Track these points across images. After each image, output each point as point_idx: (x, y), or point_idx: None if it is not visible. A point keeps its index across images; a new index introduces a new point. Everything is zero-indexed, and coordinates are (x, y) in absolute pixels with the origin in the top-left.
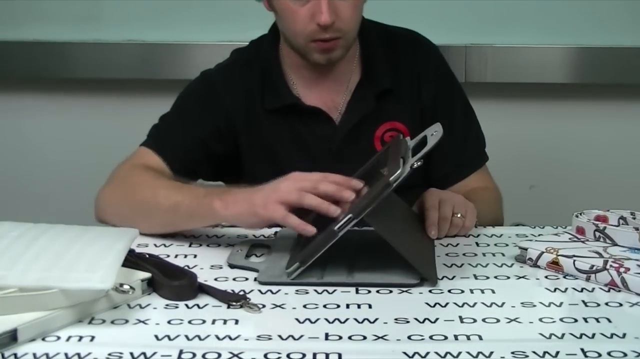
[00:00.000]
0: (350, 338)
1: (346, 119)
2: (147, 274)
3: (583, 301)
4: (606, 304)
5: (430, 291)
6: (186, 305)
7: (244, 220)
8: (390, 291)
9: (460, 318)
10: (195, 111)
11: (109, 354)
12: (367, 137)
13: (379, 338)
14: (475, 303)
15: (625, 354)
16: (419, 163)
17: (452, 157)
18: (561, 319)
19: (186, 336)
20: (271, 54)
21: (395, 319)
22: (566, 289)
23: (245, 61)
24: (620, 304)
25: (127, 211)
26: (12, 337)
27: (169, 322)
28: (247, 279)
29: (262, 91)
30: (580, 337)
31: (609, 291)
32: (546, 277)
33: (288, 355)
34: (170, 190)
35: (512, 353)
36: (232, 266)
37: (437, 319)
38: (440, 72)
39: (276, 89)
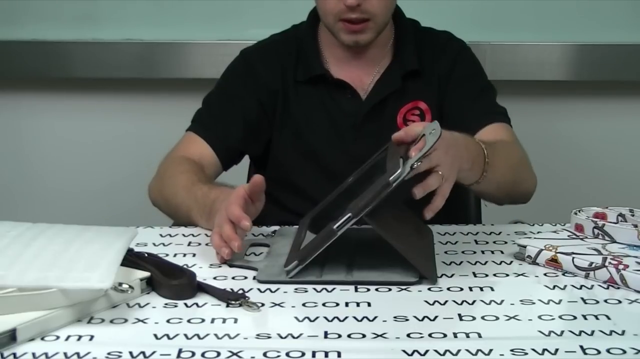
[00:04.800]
0: (349, 336)
1: (372, 96)
2: (146, 274)
3: (582, 299)
4: (605, 301)
5: (429, 289)
6: (185, 304)
7: None
8: (390, 289)
9: (460, 315)
10: (237, 86)
11: (108, 354)
12: (391, 116)
13: (378, 336)
14: (474, 301)
15: (625, 351)
16: (418, 163)
17: (465, 113)
18: (560, 317)
19: (185, 335)
20: (308, 33)
21: (395, 317)
22: (565, 286)
23: (283, 40)
24: (619, 302)
25: (162, 205)
26: (11, 337)
27: (168, 321)
28: (246, 278)
29: (295, 66)
30: (580, 334)
31: (608, 288)
32: (545, 274)
33: (287, 354)
34: (185, 192)
35: (512, 350)
36: (231, 265)
37: (436, 317)
38: (461, 53)
39: (309, 63)
